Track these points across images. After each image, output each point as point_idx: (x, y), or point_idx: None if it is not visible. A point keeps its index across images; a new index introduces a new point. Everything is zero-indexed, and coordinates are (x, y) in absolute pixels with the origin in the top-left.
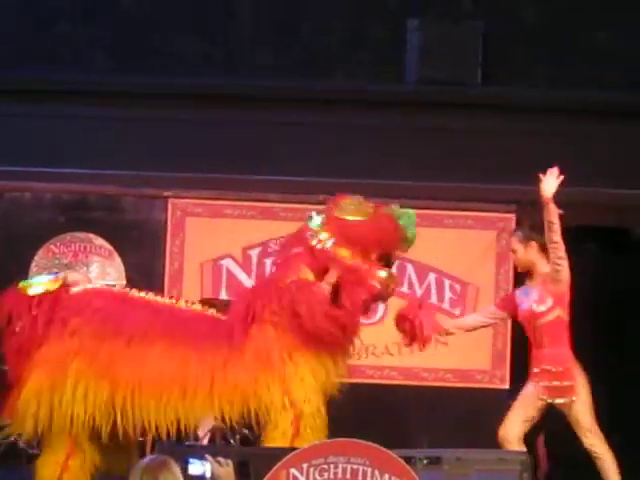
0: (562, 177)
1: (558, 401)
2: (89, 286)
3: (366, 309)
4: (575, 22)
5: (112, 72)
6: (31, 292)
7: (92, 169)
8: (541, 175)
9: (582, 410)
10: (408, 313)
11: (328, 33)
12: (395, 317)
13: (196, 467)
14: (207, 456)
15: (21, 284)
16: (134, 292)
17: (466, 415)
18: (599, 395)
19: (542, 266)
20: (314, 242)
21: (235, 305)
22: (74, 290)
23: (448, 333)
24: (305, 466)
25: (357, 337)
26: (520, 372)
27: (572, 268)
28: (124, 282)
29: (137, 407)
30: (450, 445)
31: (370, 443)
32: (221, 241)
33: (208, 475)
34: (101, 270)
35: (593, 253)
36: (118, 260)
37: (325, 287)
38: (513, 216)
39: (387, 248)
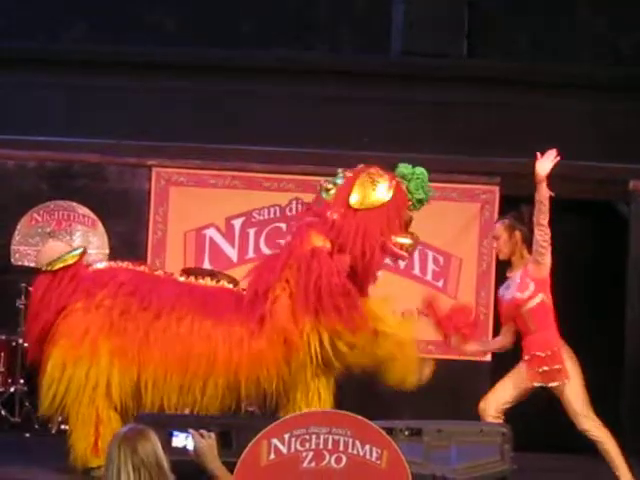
0: (558, 158)
1: (551, 384)
2: (112, 263)
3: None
4: None
5: (95, 41)
6: (56, 268)
7: (76, 137)
8: (538, 154)
9: (573, 395)
10: (462, 324)
11: (313, 5)
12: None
13: (179, 440)
14: (190, 429)
15: (45, 267)
16: (147, 267)
17: (448, 387)
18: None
19: (523, 255)
20: (331, 215)
21: (253, 277)
22: (97, 266)
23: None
24: (287, 436)
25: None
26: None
27: (556, 240)
28: (107, 251)
29: (162, 383)
30: (431, 417)
31: (352, 414)
32: (204, 211)
33: (190, 447)
34: (84, 239)
35: (576, 225)
36: (101, 229)
37: (346, 258)
38: (497, 188)
39: (402, 222)
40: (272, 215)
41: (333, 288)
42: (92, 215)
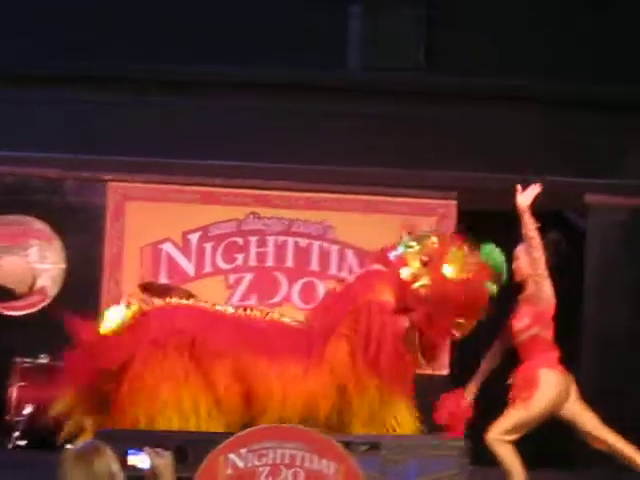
0: (539, 190)
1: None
2: (164, 303)
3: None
4: (516, 7)
5: (55, 56)
6: (105, 328)
7: (33, 152)
8: (519, 187)
9: (514, 416)
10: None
11: (270, 20)
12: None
13: (134, 458)
14: (145, 448)
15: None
16: (205, 304)
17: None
18: None
19: (532, 283)
20: (406, 275)
21: (315, 317)
22: (151, 307)
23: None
24: (243, 451)
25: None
26: (460, 358)
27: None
28: (63, 266)
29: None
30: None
31: (309, 429)
32: (161, 225)
33: (146, 466)
34: (40, 254)
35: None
36: (58, 244)
37: (405, 321)
38: (454, 203)
39: (477, 307)
40: (229, 229)
41: (386, 347)
42: (48, 230)
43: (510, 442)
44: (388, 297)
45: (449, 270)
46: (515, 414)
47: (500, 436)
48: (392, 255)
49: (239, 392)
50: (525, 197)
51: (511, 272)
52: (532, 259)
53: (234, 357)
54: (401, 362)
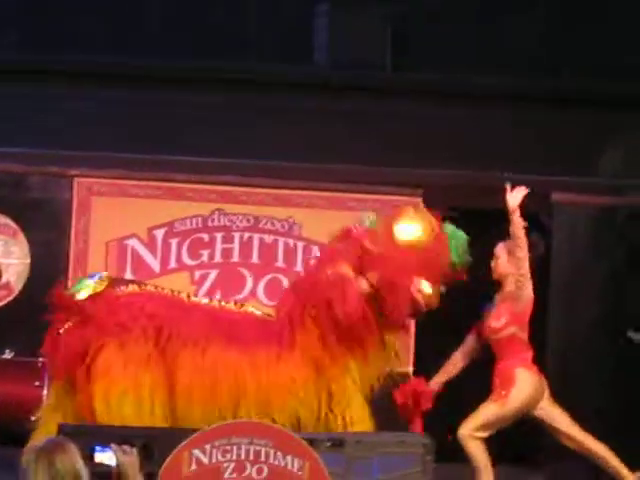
0: (527, 191)
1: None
2: (133, 287)
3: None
4: (484, 6)
5: (20, 50)
6: (79, 296)
7: None
8: (508, 187)
9: (488, 411)
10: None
11: (239, 15)
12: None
13: (101, 455)
14: (112, 445)
15: (69, 290)
16: (177, 293)
17: (369, 399)
18: None
19: (511, 282)
20: (366, 242)
21: (280, 304)
22: (119, 291)
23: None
24: (208, 447)
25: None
26: (422, 356)
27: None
28: (28, 261)
29: (192, 414)
30: None
31: (273, 425)
32: (127, 221)
33: (113, 463)
34: (5, 249)
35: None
36: (23, 239)
37: (364, 284)
38: (420, 200)
39: (436, 273)
40: (194, 225)
41: (349, 307)
42: (13, 225)
43: (481, 439)
44: (346, 269)
45: (402, 231)
46: (489, 410)
47: (472, 432)
48: (355, 230)
49: (203, 384)
50: (514, 197)
51: (487, 269)
52: (517, 258)
53: (203, 347)
54: (364, 323)
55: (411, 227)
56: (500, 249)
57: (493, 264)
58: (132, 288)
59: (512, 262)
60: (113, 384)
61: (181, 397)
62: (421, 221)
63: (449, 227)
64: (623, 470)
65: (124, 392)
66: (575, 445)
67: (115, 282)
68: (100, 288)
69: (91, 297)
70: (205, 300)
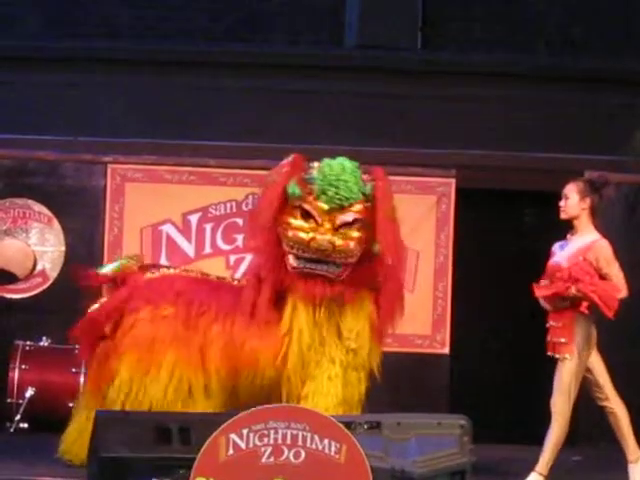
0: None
1: (556, 356)
2: (164, 270)
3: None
4: None
5: (49, 37)
6: (102, 272)
7: (31, 135)
8: None
9: (563, 372)
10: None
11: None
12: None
13: None
14: None
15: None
16: (199, 273)
17: (407, 380)
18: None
19: (585, 224)
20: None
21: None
22: (151, 274)
23: None
24: (245, 431)
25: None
26: (461, 337)
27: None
28: (63, 248)
29: (223, 389)
30: (390, 410)
31: (310, 409)
32: (161, 207)
33: None
34: (40, 236)
35: (533, 217)
36: (57, 226)
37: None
38: (453, 181)
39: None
40: (228, 210)
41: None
42: (48, 212)
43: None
44: None
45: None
46: (568, 369)
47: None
48: None
49: (228, 363)
50: None
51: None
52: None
53: (232, 320)
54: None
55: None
56: (570, 189)
57: (563, 204)
58: (162, 271)
59: (580, 204)
60: (138, 363)
61: (212, 372)
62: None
63: (325, 160)
64: (631, 440)
65: (147, 371)
66: (600, 399)
67: (146, 265)
68: (128, 265)
69: (120, 276)
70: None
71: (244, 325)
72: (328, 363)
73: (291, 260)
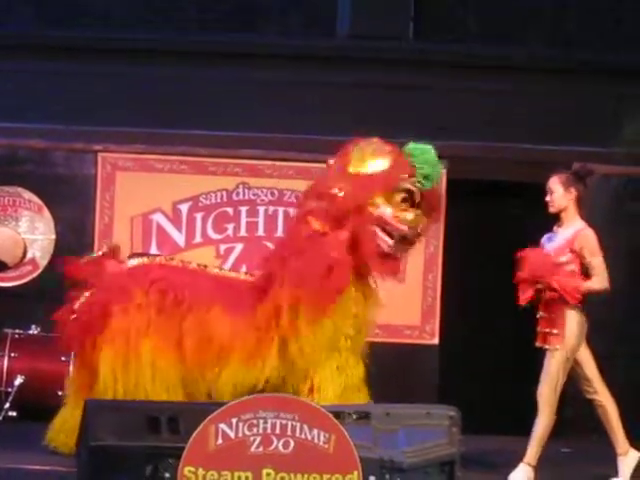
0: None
1: (546, 347)
2: (143, 259)
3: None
4: None
5: (41, 26)
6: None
7: (22, 123)
8: None
9: (551, 364)
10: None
11: None
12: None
13: None
14: None
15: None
16: (180, 261)
17: (396, 370)
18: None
19: (572, 215)
20: (334, 191)
21: (259, 266)
22: (131, 262)
23: None
24: (234, 421)
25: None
26: (450, 328)
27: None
28: (53, 237)
29: (202, 377)
30: (379, 400)
31: (299, 398)
32: (151, 195)
33: None
34: (30, 224)
35: (521, 209)
36: (47, 214)
37: (343, 235)
38: (444, 172)
39: (398, 186)
40: (219, 199)
41: (316, 268)
42: (38, 200)
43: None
44: (317, 226)
45: (354, 166)
46: (557, 359)
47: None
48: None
49: (208, 346)
50: None
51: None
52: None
53: (207, 309)
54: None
55: (362, 157)
56: (554, 183)
57: (549, 199)
58: (142, 260)
59: (566, 195)
60: (117, 353)
61: (193, 362)
62: (374, 150)
63: (411, 144)
64: (620, 433)
65: (127, 361)
66: (589, 392)
67: (133, 254)
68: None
69: (95, 266)
70: (216, 270)
71: (220, 316)
72: (334, 352)
73: (386, 239)
